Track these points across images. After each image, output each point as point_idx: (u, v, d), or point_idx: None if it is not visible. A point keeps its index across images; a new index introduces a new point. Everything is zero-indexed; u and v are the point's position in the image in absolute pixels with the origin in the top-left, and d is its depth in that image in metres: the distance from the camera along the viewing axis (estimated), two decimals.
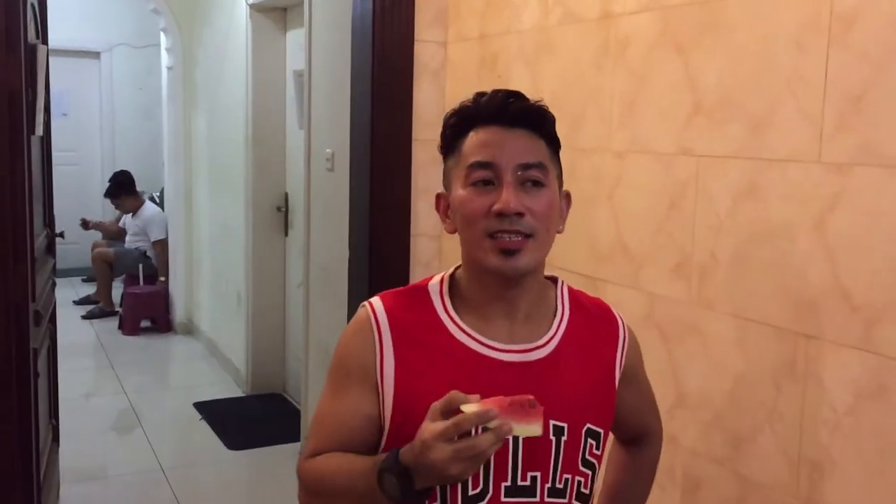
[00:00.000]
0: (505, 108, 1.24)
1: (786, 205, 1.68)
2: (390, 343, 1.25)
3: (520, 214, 1.20)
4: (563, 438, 1.25)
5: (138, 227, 6.95)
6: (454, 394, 1.08)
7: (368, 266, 2.89)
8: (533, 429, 1.10)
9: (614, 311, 1.40)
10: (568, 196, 1.33)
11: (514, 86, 2.53)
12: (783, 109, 1.68)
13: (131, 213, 7.01)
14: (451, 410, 1.08)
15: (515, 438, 1.19)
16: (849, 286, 1.56)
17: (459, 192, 1.25)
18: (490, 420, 1.05)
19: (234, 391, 5.25)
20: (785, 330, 1.69)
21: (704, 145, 1.87)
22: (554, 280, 1.37)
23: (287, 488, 3.78)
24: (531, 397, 1.11)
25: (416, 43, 2.84)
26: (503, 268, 1.21)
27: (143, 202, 7.00)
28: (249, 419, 4.78)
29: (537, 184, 1.23)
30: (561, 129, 2.31)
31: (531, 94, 2.42)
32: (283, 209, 5.12)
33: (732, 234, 1.81)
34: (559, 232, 1.29)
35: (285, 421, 4.63)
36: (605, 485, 1.53)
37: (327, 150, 4.05)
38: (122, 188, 7.00)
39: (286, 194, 5.11)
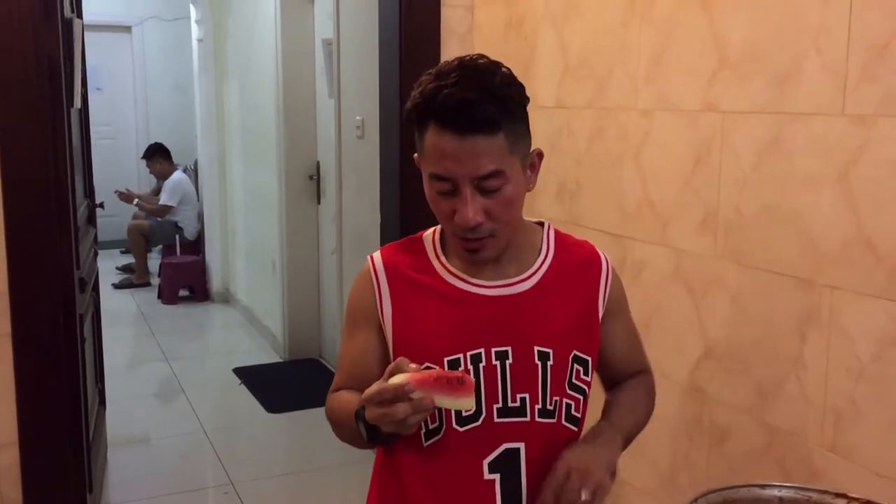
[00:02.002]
0: (458, 118, 1.22)
1: (810, 158, 1.70)
2: (387, 287, 1.39)
3: (479, 223, 1.27)
4: (549, 363, 1.35)
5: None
6: (400, 360, 1.23)
7: (400, 231, 2.93)
8: (462, 402, 1.22)
9: (599, 251, 1.47)
10: (539, 154, 1.35)
11: (540, 48, 2.56)
12: (807, 63, 1.70)
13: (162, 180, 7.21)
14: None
15: (503, 368, 1.33)
16: (872, 237, 1.58)
17: (427, 183, 1.32)
18: (406, 393, 1.18)
19: (272, 357, 5.37)
20: (809, 281, 1.71)
21: (730, 101, 1.89)
22: (541, 224, 1.46)
23: (324, 449, 3.90)
24: (460, 374, 1.22)
25: (443, 7, 2.86)
26: (472, 259, 1.34)
27: (172, 170, 7.16)
28: (287, 383, 4.88)
29: (495, 189, 1.27)
30: (588, 89, 2.35)
31: (557, 55, 2.46)
32: (315, 177, 5.18)
33: (757, 188, 1.83)
34: (529, 190, 1.35)
35: (322, 385, 4.67)
36: (605, 402, 1.52)
37: (357, 118, 4.09)
38: (159, 151, 7.27)
39: (318, 162, 5.17)
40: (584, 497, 1.23)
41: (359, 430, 1.29)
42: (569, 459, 1.28)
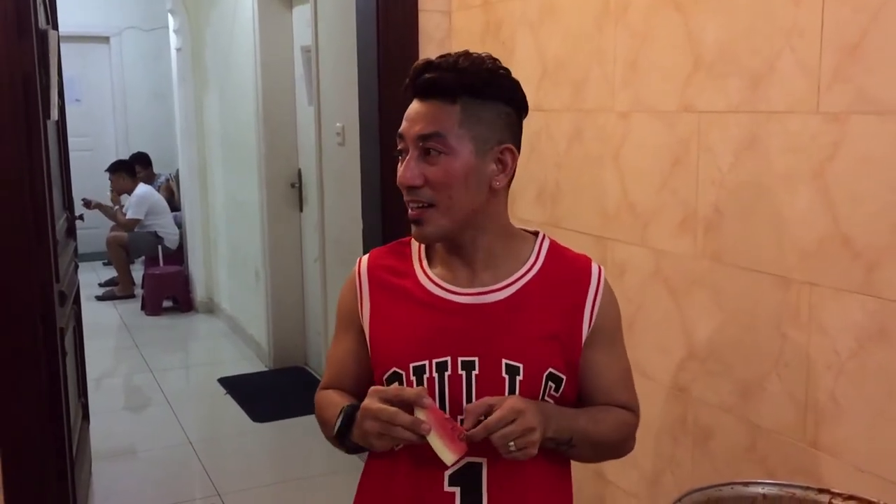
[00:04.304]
0: (417, 81, 1.31)
1: (786, 156, 1.71)
2: (368, 290, 1.42)
3: (415, 186, 1.29)
4: (519, 378, 1.30)
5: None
6: (421, 389, 1.27)
7: (382, 237, 2.93)
8: (446, 454, 1.23)
9: (595, 266, 1.40)
10: (510, 150, 1.32)
11: (518, 52, 2.56)
12: (781, 62, 1.71)
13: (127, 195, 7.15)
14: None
15: (469, 378, 1.31)
16: (849, 233, 1.59)
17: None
18: (422, 406, 1.22)
19: (257, 366, 5.34)
20: (788, 279, 1.72)
21: (705, 101, 1.90)
22: (535, 234, 1.43)
23: (311, 458, 3.89)
24: (465, 432, 1.22)
25: (420, 12, 2.86)
26: (416, 236, 1.35)
27: (133, 187, 7.10)
28: (273, 392, 4.86)
29: (435, 153, 1.28)
30: (566, 92, 2.35)
31: (535, 59, 2.46)
32: (297, 185, 5.17)
33: (735, 187, 1.84)
34: (496, 187, 1.32)
35: (307, 393, 4.66)
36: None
37: (337, 125, 4.09)
38: (123, 166, 7.17)
39: (299, 170, 5.16)
40: (511, 447, 1.21)
41: (336, 421, 1.33)
42: (524, 406, 1.22)
